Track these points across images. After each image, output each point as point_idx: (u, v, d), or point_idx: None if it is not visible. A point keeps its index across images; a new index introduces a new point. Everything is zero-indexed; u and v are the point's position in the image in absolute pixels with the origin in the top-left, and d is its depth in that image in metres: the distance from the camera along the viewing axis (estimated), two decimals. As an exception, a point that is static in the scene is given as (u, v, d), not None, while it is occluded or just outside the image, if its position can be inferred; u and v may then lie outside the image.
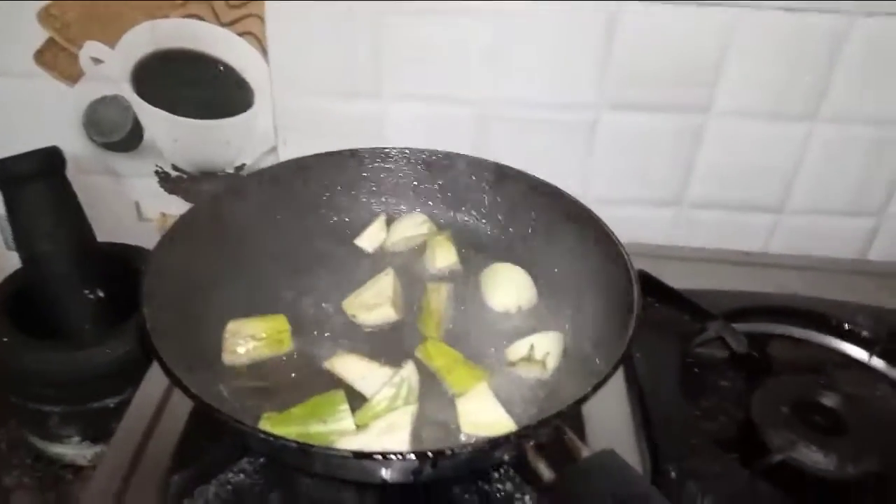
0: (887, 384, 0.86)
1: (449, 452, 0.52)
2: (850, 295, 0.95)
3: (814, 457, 0.71)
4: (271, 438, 0.54)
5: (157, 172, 1.06)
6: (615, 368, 0.60)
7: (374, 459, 0.52)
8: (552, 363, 0.72)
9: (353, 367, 0.70)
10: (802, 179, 1.04)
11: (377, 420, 0.63)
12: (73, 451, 0.95)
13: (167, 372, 0.57)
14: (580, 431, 0.72)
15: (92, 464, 0.96)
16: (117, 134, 1.02)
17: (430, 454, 0.52)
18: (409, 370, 0.68)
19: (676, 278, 0.92)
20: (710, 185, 1.05)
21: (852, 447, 0.72)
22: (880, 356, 0.87)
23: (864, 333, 0.88)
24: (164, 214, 1.10)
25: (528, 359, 0.72)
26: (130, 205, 1.10)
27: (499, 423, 0.64)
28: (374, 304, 0.78)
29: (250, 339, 0.73)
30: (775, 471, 0.71)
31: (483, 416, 0.65)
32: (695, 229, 1.08)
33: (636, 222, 1.08)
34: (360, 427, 0.63)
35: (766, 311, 0.91)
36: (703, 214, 1.07)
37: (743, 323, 0.89)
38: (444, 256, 0.84)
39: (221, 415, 0.55)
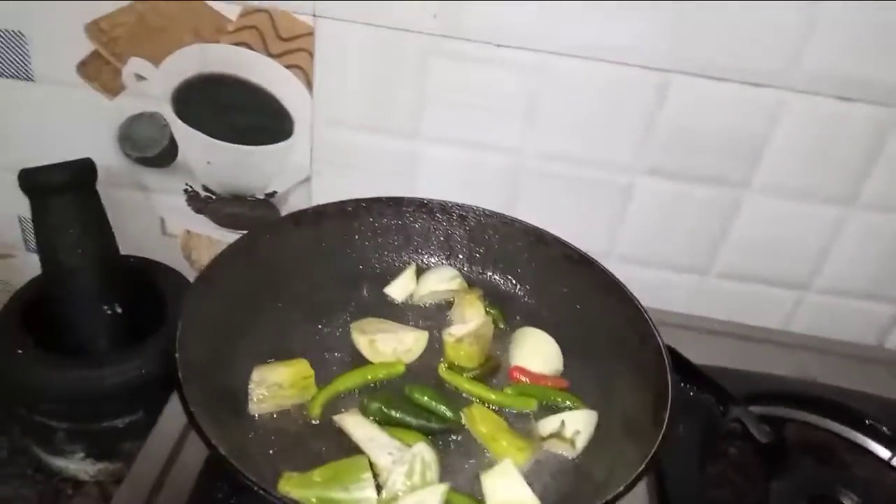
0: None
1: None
2: (867, 383, 0.95)
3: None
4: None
5: (186, 191, 1.05)
6: (650, 465, 0.59)
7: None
8: (581, 443, 0.72)
9: (361, 430, 0.69)
10: (830, 261, 1.03)
11: (405, 496, 0.62)
12: (76, 466, 0.94)
13: (199, 431, 0.56)
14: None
15: (93, 479, 0.95)
16: (151, 150, 1.02)
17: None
18: (420, 447, 0.67)
19: (692, 350, 0.91)
20: (737, 257, 1.04)
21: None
22: (901, 458, 0.86)
23: (885, 430, 0.88)
24: (188, 232, 1.10)
25: (558, 435, 0.72)
26: (156, 220, 1.09)
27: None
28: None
29: (275, 387, 0.72)
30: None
31: (509, 494, 0.65)
32: (717, 299, 1.08)
33: (659, 286, 1.07)
34: (385, 500, 0.62)
35: (786, 397, 0.91)
36: (728, 285, 1.07)
37: (762, 406, 0.89)
38: (473, 313, 0.83)
39: (248, 479, 0.54)
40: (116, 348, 0.93)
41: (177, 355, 0.63)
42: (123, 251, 0.97)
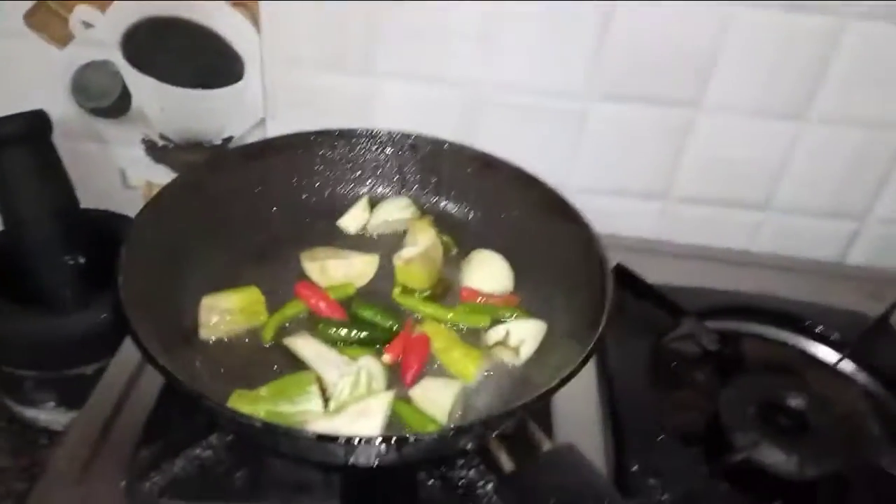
0: (855, 387, 0.87)
1: (412, 439, 0.53)
2: (826, 297, 0.96)
3: (776, 457, 0.72)
4: (237, 416, 0.54)
5: (144, 141, 1.06)
6: (582, 364, 0.61)
7: (338, 443, 0.53)
8: (526, 351, 0.73)
9: (310, 349, 0.71)
10: (788, 179, 1.04)
11: (351, 405, 0.63)
12: (48, 416, 0.96)
13: (138, 343, 0.58)
14: (547, 423, 0.73)
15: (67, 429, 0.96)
16: (105, 100, 1.02)
17: (392, 440, 0.53)
18: (366, 360, 0.69)
19: (657, 273, 0.93)
20: (696, 180, 1.05)
21: (814, 449, 0.73)
22: (850, 358, 0.87)
23: (835, 336, 0.89)
24: (149, 183, 1.10)
25: (504, 344, 0.73)
26: (116, 172, 1.09)
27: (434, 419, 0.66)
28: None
29: (226, 313, 0.73)
30: (737, 469, 0.72)
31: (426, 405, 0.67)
32: (680, 224, 1.09)
33: (621, 214, 1.08)
34: (332, 411, 0.64)
35: (740, 310, 0.92)
36: (689, 209, 1.08)
37: (718, 321, 0.90)
38: (424, 238, 0.84)
39: (186, 388, 0.56)
40: (80, 299, 0.94)
41: (120, 278, 0.63)
42: (86, 205, 0.98)
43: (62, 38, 0.97)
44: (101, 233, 0.98)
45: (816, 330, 0.90)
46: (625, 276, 0.90)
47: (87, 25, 0.96)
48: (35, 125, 0.90)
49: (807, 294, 0.97)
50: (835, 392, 0.85)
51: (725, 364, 0.87)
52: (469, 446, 0.58)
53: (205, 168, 0.82)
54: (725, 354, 0.87)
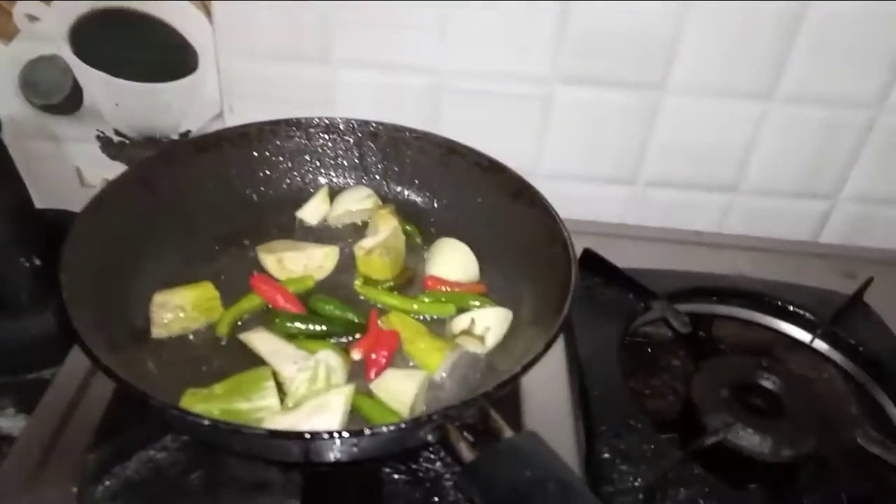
0: (829, 366, 0.86)
1: (367, 433, 0.51)
2: (799, 277, 0.95)
3: (750, 439, 0.71)
4: (184, 415, 0.52)
5: (98, 137, 1.02)
6: (545, 350, 0.59)
7: (291, 440, 0.51)
8: (492, 339, 0.71)
9: (267, 344, 0.69)
10: (756, 159, 1.03)
11: (309, 400, 0.61)
12: (9, 423, 0.92)
13: (80, 343, 0.55)
14: (516, 412, 0.71)
15: (27, 436, 0.93)
16: (56, 96, 0.99)
17: (346, 434, 0.51)
18: (325, 353, 0.66)
19: (626, 257, 0.91)
20: (664, 163, 1.03)
21: (789, 430, 0.72)
22: (822, 339, 0.86)
23: (808, 315, 0.88)
24: (106, 181, 1.06)
25: (469, 332, 0.71)
26: (72, 170, 1.06)
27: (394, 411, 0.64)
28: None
29: (178, 310, 0.71)
30: (711, 452, 0.70)
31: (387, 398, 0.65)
32: (649, 207, 1.07)
33: (589, 199, 1.06)
34: (290, 407, 0.61)
35: (712, 292, 0.91)
36: (657, 193, 1.06)
37: (689, 303, 0.89)
38: (385, 226, 0.81)
39: (131, 387, 0.53)
40: (37, 301, 0.91)
41: (62, 277, 0.61)
42: (43, 205, 0.95)
43: (7, 33, 0.94)
44: (58, 233, 0.95)
45: (789, 309, 0.88)
46: (593, 261, 0.89)
47: (33, 19, 0.92)
48: (-18, 124, 0.87)
49: (779, 274, 0.95)
50: (809, 372, 0.84)
51: (698, 347, 0.86)
52: (431, 438, 0.56)
53: (154, 162, 0.79)
54: (697, 337, 0.85)
